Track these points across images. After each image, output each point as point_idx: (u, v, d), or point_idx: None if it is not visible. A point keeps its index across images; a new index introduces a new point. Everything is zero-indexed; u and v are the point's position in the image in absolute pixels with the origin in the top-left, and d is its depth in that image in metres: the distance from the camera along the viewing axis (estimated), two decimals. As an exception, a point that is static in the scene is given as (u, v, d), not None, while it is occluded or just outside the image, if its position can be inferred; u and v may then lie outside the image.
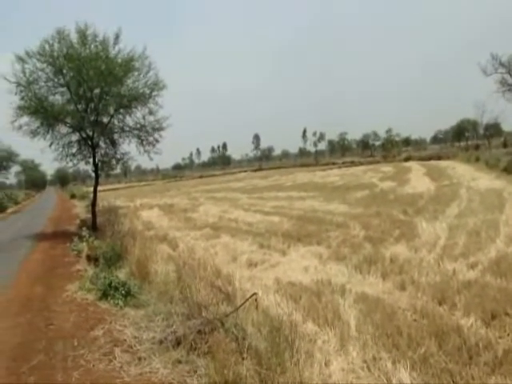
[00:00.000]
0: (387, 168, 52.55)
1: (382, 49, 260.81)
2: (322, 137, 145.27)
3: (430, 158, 66.82)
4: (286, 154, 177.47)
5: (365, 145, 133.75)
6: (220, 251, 12.29)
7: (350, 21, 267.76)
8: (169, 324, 5.75)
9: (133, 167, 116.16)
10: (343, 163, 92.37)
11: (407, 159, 73.56)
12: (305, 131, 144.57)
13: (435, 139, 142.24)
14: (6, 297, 8.33)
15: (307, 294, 7.83)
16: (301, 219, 16.85)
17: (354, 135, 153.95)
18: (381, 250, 10.91)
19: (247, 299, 5.59)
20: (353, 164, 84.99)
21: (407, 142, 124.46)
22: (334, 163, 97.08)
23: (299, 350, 4.79)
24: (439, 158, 65.77)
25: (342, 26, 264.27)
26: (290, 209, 20.60)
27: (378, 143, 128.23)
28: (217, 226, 16.99)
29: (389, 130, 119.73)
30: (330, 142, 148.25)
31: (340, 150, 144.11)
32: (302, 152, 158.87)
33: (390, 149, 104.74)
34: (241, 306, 5.49)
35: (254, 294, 5.62)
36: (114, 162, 19.37)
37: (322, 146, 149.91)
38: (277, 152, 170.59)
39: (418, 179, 32.00)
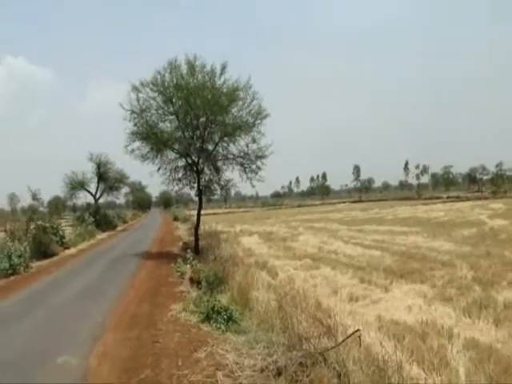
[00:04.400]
0: (497, 205, 49.19)
1: (495, 74, 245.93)
2: (424, 169, 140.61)
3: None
4: (386, 187, 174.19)
5: (472, 179, 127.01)
6: (320, 283, 12.24)
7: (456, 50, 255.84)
8: (270, 353, 5.84)
9: (233, 193, 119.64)
10: (448, 198, 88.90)
11: (521, 195, 68.55)
12: (407, 163, 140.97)
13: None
14: (117, 311, 8.97)
15: (411, 335, 7.55)
16: (403, 255, 16.34)
17: (460, 168, 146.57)
18: (492, 293, 10.23)
19: (350, 335, 5.53)
20: (458, 199, 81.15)
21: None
22: (437, 197, 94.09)
23: (405, 394, 4.64)
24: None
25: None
26: (392, 243, 20.05)
27: (486, 177, 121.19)
28: (316, 257, 16.94)
29: (499, 164, 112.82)
30: (434, 175, 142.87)
31: (444, 184, 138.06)
32: (403, 185, 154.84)
33: (500, 184, 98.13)
34: (343, 341, 5.44)
35: (358, 330, 5.55)
36: (217, 187, 20.19)
37: (425, 179, 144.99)
38: (377, 184, 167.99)
39: (536, 218, 29.60)
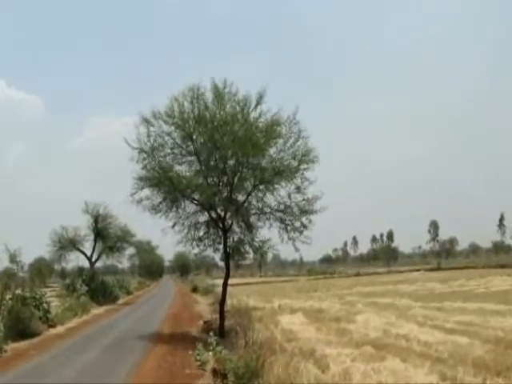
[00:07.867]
0: None
1: None
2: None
3: None
4: (474, 249, 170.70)
5: None
6: (386, 379, 11.98)
7: None
8: None
9: (270, 257, 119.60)
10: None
11: None
12: (502, 218, 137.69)
13: None
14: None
15: None
16: (500, 343, 15.80)
17: None
18: None
19: None
20: None
21: None
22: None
23: None
24: None
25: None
26: (484, 327, 19.47)
27: None
28: (380, 344, 16.60)
29: None
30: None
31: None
32: (498, 247, 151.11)
33: None
34: None
35: None
36: (249, 250, 19.88)
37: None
38: (462, 246, 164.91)
39: None
